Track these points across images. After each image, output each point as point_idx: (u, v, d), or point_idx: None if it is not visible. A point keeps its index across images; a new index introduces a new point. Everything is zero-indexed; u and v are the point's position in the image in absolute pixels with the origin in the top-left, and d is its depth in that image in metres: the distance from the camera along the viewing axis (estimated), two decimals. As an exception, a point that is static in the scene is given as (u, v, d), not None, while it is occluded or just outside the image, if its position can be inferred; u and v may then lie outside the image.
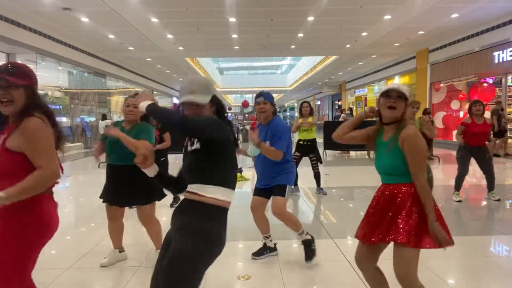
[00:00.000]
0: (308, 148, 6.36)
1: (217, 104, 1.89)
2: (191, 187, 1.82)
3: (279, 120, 3.40)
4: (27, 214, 1.79)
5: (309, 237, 3.42)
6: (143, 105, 1.72)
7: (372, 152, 2.32)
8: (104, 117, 15.25)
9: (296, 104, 42.74)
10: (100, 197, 3.40)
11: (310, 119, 6.35)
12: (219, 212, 1.80)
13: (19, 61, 11.71)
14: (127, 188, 3.24)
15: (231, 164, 1.85)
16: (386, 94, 2.16)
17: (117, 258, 3.51)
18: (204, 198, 1.77)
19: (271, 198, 3.42)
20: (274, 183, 3.37)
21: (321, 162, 6.56)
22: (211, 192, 1.77)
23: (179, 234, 1.76)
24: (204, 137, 1.75)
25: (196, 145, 1.80)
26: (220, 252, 1.81)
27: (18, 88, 1.77)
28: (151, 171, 1.88)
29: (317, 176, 6.50)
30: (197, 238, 1.72)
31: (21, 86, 1.78)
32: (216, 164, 1.79)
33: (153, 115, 1.73)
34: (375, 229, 2.16)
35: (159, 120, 1.78)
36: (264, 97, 3.35)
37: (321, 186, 6.59)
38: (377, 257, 2.29)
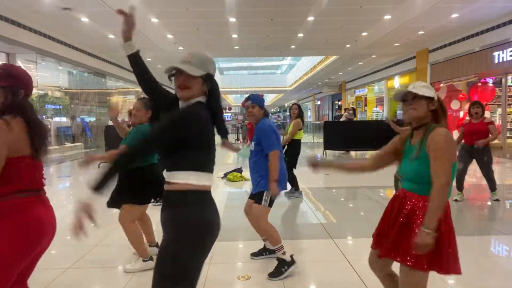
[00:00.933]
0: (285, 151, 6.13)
1: (211, 84, 1.75)
2: (167, 176, 1.73)
3: (262, 123, 3.32)
4: (7, 220, 1.71)
5: (288, 259, 3.21)
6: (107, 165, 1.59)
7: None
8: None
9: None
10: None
11: (290, 127, 6.19)
12: (197, 197, 1.69)
13: (19, 61, 11.77)
14: (120, 188, 3.30)
15: (203, 147, 1.72)
16: (403, 99, 1.99)
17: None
18: (176, 185, 1.68)
19: None
20: (256, 190, 3.29)
21: (294, 167, 6.27)
22: (181, 178, 1.67)
23: (164, 228, 1.71)
24: (173, 141, 1.65)
25: None
26: (215, 236, 1.72)
27: None
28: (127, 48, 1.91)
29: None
30: (180, 228, 1.65)
31: (0, 86, 1.75)
32: (185, 148, 1.67)
33: (122, 164, 1.63)
34: (384, 241, 2.01)
35: (131, 161, 1.64)
36: (252, 101, 3.32)
37: (321, 186, 6.58)
38: (390, 263, 2.13)
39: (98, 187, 1.58)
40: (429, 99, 1.94)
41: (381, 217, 2.13)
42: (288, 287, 2.99)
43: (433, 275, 1.89)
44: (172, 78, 1.78)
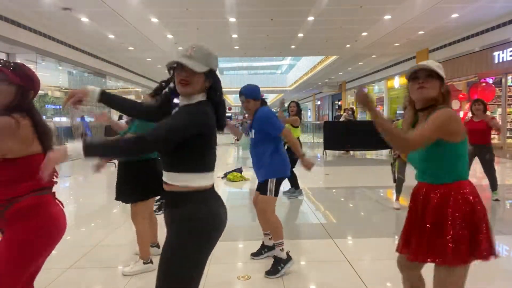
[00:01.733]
0: None
1: (213, 80, 1.69)
2: (166, 176, 1.69)
3: (260, 110, 3.25)
4: (29, 220, 1.76)
5: (284, 256, 3.21)
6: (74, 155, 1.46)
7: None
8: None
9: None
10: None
11: (288, 123, 6.16)
12: (199, 196, 1.66)
13: (19, 61, 11.80)
14: (123, 184, 3.37)
15: (208, 148, 1.69)
16: (414, 75, 1.81)
17: (152, 251, 3.51)
18: (176, 187, 1.65)
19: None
20: (261, 180, 3.28)
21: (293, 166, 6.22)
22: (181, 180, 1.64)
23: (170, 228, 1.69)
24: (179, 140, 1.59)
25: None
26: (220, 231, 1.71)
27: (10, 84, 1.76)
28: None
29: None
30: (184, 227, 1.62)
31: (14, 84, 1.77)
32: (190, 151, 1.63)
33: (101, 155, 1.60)
34: (412, 243, 1.85)
35: (117, 156, 1.63)
36: (246, 95, 3.23)
37: (321, 186, 6.58)
38: (422, 264, 1.96)
39: (89, 149, 1.45)
40: (442, 80, 1.81)
41: (406, 218, 1.96)
42: (288, 287, 2.99)
43: (430, 275, 1.87)
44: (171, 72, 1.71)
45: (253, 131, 3.29)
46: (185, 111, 1.64)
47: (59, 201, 1.95)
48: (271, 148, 3.25)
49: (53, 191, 1.93)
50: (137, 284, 3.07)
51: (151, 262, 3.30)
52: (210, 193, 1.71)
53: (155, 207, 4.97)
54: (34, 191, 1.80)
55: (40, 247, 1.79)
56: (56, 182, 1.94)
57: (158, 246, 3.70)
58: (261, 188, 3.26)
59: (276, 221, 3.27)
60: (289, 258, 3.24)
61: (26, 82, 1.82)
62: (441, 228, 1.74)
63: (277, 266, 3.18)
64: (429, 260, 1.76)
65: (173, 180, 1.66)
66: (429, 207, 1.79)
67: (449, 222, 1.72)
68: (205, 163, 1.69)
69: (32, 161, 1.80)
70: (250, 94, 3.24)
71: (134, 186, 3.29)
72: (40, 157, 1.82)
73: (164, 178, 1.70)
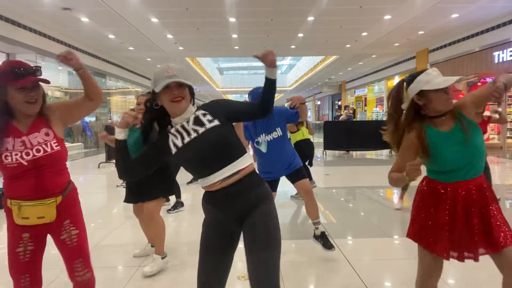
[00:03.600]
0: None
1: (192, 92, 1.85)
2: (229, 170, 1.75)
3: None
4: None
5: (323, 229, 3.55)
6: (273, 70, 1.79)
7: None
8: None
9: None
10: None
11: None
12: (258, 175, 1.89)
13: (19, 61, 11.79)
14: (140, 184, 3.35)
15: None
16: (443, 89, 1.84)
17: (149, 251, 3.61)
18: (247, 168, 1.79)
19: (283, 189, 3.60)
20: (291, 169, 3.45)
21: (310, 165, 6.62)
22: (246, 161, 1.80)
23: (256, 210, 1.81)
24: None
25: (214, 122, 1.75)
26: None
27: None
28: (121, 133, 1.85)
29: None
30: (268, 203, 1.83)
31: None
32: (235, 134, 1.86)
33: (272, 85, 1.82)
34: (468, 242, 1.89)
35: (271, 92, 1.82)
36: (252, 97, 3.31)
37: (321, 186, 6.58)
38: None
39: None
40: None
41: (445, 221, 1.89)
42: (288, 287, 3.00)
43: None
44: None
45: (277, 129, 3.33)
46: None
47: None
48: (286, 138, 3.45)
49: None
50: (137, 284, 3.07)
51: (166, 255, 3.37)
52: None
53: None
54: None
55: None
56: None
57: None
58: (300, 174, 3.45)
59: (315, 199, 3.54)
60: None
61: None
62: (497, 216, 1.87)
63: (329, 241, 3.50)
64: (502, 242, 1.87)
65: (237, 166, 1.76)
66: (480, 199, 1.87)
67: (496, 210, 1.88)
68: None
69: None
70: (256, 95, 3.25)
71: (159, 185, 3.32)
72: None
73: (225, 174, 1.75)
